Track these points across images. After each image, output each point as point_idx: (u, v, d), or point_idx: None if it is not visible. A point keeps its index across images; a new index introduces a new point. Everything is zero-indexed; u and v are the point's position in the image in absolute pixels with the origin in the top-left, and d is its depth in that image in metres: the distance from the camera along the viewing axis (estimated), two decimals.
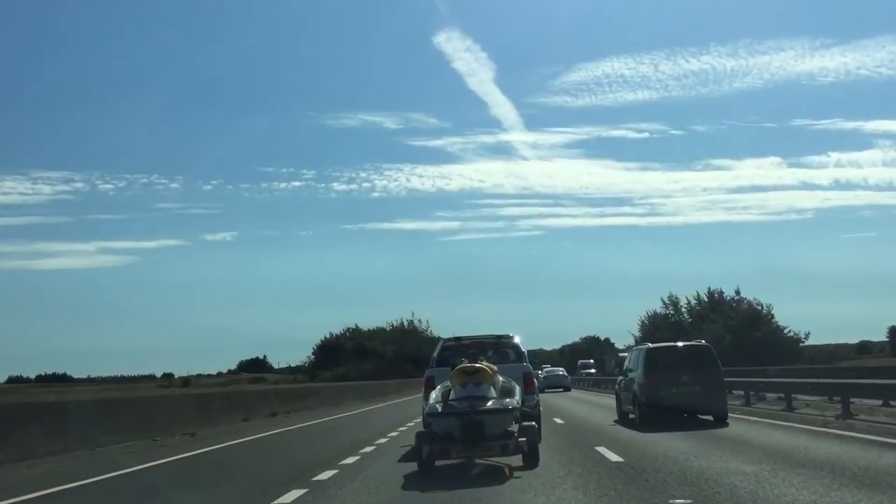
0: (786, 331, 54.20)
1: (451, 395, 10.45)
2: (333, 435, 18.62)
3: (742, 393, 24.23)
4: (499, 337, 15.70)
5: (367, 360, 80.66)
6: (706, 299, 65.19)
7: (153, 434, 17.45)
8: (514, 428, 10.17)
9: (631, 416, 18.23)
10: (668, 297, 70.33)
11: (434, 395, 11.00)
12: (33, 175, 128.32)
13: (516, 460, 10.34)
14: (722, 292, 63.41)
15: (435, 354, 15.44)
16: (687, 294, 69.08)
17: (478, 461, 10.68)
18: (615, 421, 18.96)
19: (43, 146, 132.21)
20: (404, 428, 18.45)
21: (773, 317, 54.82)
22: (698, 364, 17.79)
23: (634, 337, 75.54)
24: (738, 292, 59.26)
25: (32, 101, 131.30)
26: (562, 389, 48.28)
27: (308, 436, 18.85)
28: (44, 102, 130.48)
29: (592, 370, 71.65)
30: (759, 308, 55.13)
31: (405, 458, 12.15)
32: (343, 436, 17.86)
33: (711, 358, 18.07)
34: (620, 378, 20.81)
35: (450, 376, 10.87)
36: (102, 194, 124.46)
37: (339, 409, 32.84)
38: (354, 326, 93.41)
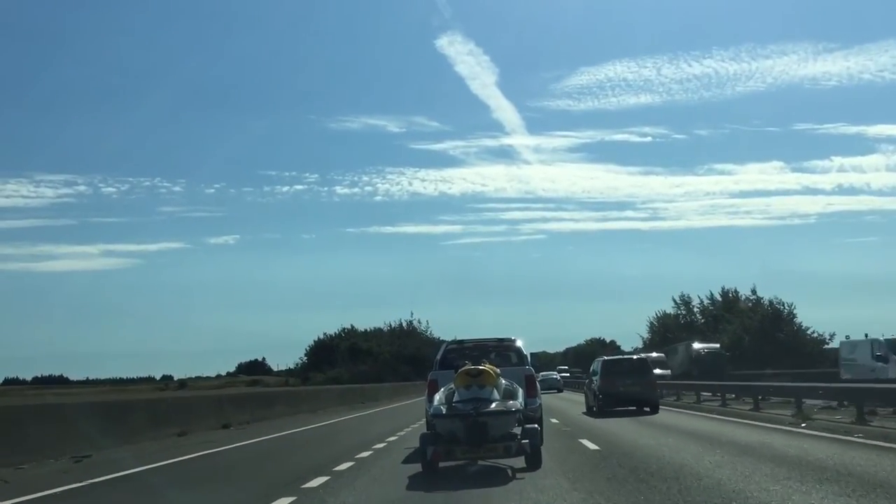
0: (809, 332, 53.92)
1: (455, 397, 11.18)
2: (281, 459, 14.44)
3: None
4: (501, 340, 16.26)
5: (363, 361, 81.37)
6: (720, 299, 65.82)
7: (23, 459, 13.44)
8: (517, 430, 11.04)
9: (594, 408, 26.59)
10: (680, 297, 70.96)
11: (438, 396, 11.75)
12: (36, 178, 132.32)
13: (519, 462, 11.11)
14: (737, 292, 63.94)
15: (438, 357, 16.02)
16: (699, 294, 69.98)
17: (481, 462, 11.50)
18: (583, 412, 26.77)
19: (46, 149, 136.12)
20: (367, 453, 14.40)
21: (794, 317, 54.30)
22: (638, 372, 26.55)
23: (643, 339, 76.43)
24: (754, 291, 59.59)
25: (35, 104, 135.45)
26: (555, 391, 55.89)
27: (234, 463, 14.01)
28: (47, 105, 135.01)
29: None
30: (780, 307, 54.92)
31: (409, 460, 12.93)
32: (289, 461, 13.80)
33: (647, 367, 27.42)
34: (588, 381, 29.60)
35: (454, 378, 11.61)
36: (105, 197, 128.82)
37: (317, 417, 29.36)
38: (350, 327, 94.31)
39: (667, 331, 70.83)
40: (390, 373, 75.61)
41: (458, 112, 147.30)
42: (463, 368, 11.64)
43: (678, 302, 70.93)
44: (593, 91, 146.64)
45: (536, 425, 11.89)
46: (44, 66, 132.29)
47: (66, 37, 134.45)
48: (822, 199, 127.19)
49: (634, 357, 31.23)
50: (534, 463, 11.01)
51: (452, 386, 11.58)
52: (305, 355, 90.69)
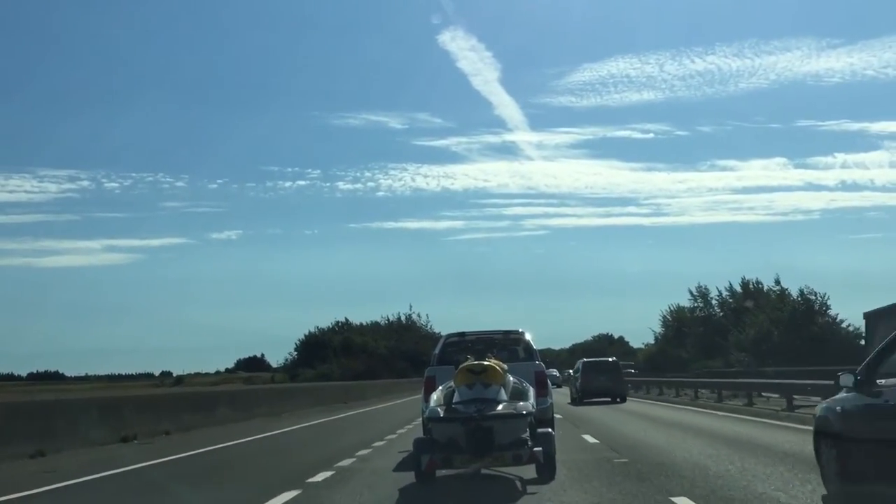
0: (844, 325, 52.64)
1: (455, 398, 10.19)
2: None
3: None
4: (507, 332, 15.47)
5: (357, 357, 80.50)
6: (739, 290, 64.84)
7: None
8: (527, 435, 9.97)
9: (576, 399, 35.82)
10: (697, 289, 70.22)
11: (435, 396, 10.74)
12: (39, 173, 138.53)
13: (528, 472, 10.13)
14: (759, 282, 62.98)
15: (436, 351, 15.27)
16: (717, 285, 69.30)
17: (484, 471, 10.49)
18: (569, 403, 34.83)
19: (49, 145, 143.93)
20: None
21: (828, 308, 53.23)
22: (610, 370, 36.42)
23: (655, 333, 76.32)
24: (777, 282, 58.62)
25: (38, 100, 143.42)
26: (555, 387, 59.00)
27: None
28: (49, 101, 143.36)
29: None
30: (812, 298, 53.68)
31: (402, 467, 11.95)
32: None
33: (618, 367, 37.56)
34: (572, 378, 40.45)
35: (454, 375, 10.63)
36: (108, 193, 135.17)
37: (275, 423, 24.53)
38: (345, 320, 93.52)
39: (682, 325, 70.27)
40: (385, 369, 74.86)
41: (461, 108, 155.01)
42: (464, 364, 10.59)
43: (695, 294, 70.28)
44: (596, 87, 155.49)
45: (550, 429, 10.85)
46: (47, 62, 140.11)
47: (69, 32, 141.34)
48: (825, 196, 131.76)
49: (609, 360, 39.89)
50: (547, 474, 9.96)
51: (452, 384, 10.54)
52: (295, 350, 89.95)
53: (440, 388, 11.11)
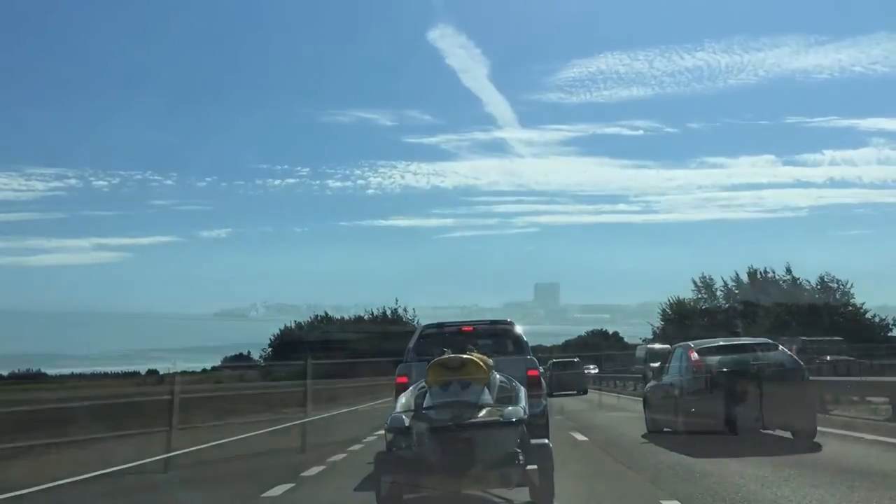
0: (869, 315, 51.17)
1: (427, 400, 8.49)
2: None
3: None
4: (493, 322, 14.07)
5: (335, 353, 79.11)
6: (746, 280, 63.91)
7: None
8: (518, 449, 8.22)
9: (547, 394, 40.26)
10: (700, 279, 69.56)
11: (403, 399, 9.02)
12: (27, 171, 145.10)
13: (520, 494, 8.55)
14: (771, 271, 61.98)
15: (411, 344, 13.83)
16: (723, 275, 68.76)
17: (466, 492, 8.80)
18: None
19: (37, 143, 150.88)
20: None
21: (851, 297, 51.71)
22: (574, 368, 46.58)
23: (653, 327, 75.86)
24: (788, 270, 57.65)
25: (26, 99, 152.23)
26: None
27: None
28: (38, 99, 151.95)
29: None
30: (835, 287, 52.29)
31: (364, 487, 10.34)
32: None
33: (580, 366, 47.82)
34: (547, 374, 46.64)
35: (425, 372, 8.87)
36: (97, 191, 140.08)
37: (179, 440, 15.60)
38: (324, 314, 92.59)
39: (684, 318, 69.42)
40: (365, 366, 73.44)
41: (451, 105, 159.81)
42: (438, 358, 8.80)
43: (699, 285, 69.65)
44: (585, 84, 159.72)
45: (546, 440, 9.05)
46: (36, 61, 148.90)
47: (58, 32, 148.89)
48: (813, 192, 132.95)
49: (574, 359, 49.69)
50: (544, 497, 8.22)
51: (424, 384, 8.77)
52: (270, 346, 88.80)
53: (410, 389, 9.38)
